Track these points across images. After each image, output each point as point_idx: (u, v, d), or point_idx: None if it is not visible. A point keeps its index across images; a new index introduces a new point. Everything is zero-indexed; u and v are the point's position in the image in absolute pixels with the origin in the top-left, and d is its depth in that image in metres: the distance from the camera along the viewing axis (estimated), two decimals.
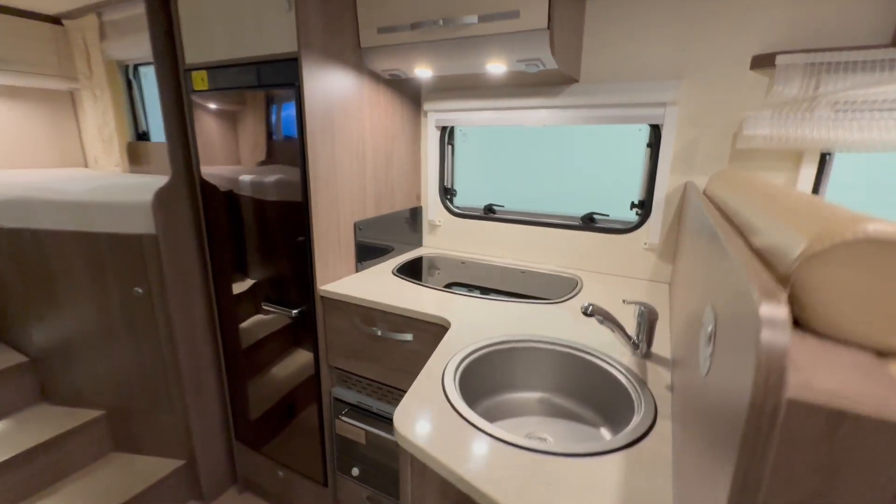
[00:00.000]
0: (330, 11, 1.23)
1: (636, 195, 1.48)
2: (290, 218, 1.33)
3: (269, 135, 1.30)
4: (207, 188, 1.51)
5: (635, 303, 0.91)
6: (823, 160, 1.18)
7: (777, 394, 0.28)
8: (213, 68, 1.35)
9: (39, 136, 2.78)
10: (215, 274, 1.60)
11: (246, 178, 1.39)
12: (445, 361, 0.91)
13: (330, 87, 1.27)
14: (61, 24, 2.57)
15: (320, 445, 1.50)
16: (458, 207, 1.80)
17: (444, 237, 1.81)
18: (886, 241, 0.36)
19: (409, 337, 1.22)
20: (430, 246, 1.85)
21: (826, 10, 1.10)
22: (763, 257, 0.49)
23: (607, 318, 0.88)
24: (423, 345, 1.21)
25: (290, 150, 1.26)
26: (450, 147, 1.75)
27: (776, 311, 0.31)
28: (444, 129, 1.72)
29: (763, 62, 1.18)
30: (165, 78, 1.43)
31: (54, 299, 1.66)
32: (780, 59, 1.13)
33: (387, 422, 1.33)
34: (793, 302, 0.41)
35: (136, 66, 2.59)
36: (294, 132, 1.24)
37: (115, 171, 2.75)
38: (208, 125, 1.43)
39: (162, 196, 1.46)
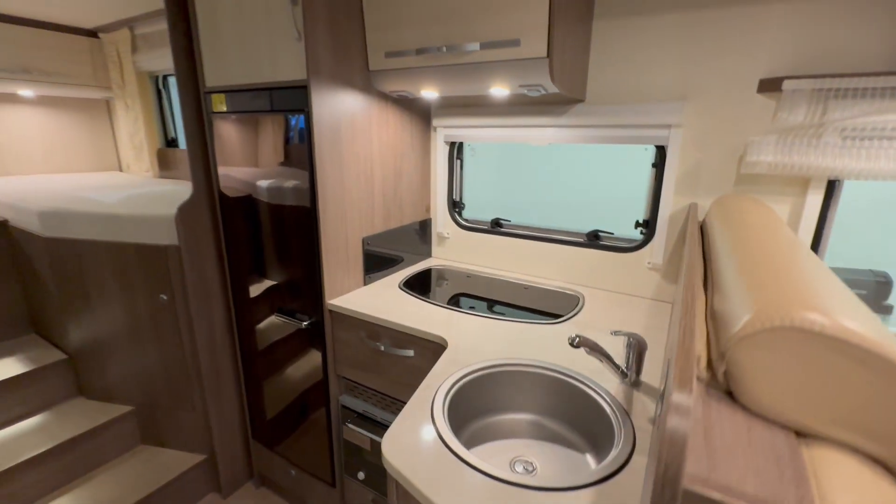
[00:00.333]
0: (339, 38, 1.28)
1: (641, 214, 1.48)
2: (301, 232, 1.39)
3: (284, 153, 1.36)
4: (226, 202, 1.59)
5: (624, 334, 0.93)
6: (832, 186, 1.16)
7: (674, 485, 0.31)
8: (230, 92, 1.42)
9: (78, 142, 2.96)
10: (233, 282, 1.69)
11: (263, 185, 1.47)
12: (437, 385, 0.95)
13: (338, 110, 1.32)
14: (97, 36, 2.71)
15: (329, 449, 1.58)
16: (465, 220, 1.83)
17: (452, 249, 1.85)
18: (811, 332, 0.38)
19: (410, 353, 1.27)
20: (439, 257, 1.90)
21: (836, 34, 1.08)
22: (717, 322, 0.51)
23: (594, 349, 0.91)
24: (424, 360, 1.26)
25: (301, 168, 1.32)
26: (458, 161, 1.79)
27: (684, 400, 0.34)
28: (452, 144, 1.75)
29: (770, 86, 1.16)
30: (188, 100, 1.52)
31: (88, 302, 1.78)
32: (786, 85, 1.11)
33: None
34: (728, 377, 0.44)
35: (164, 77, 2.72)
36: (305, 151, 1.30)
37: (147, 175, 2.89)
38: (228, 142, 1.50)
39: (184, 210, 1.55)
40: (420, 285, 1.57)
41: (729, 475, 0.32)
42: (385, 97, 1.50)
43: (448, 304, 1.42)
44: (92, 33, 2.73)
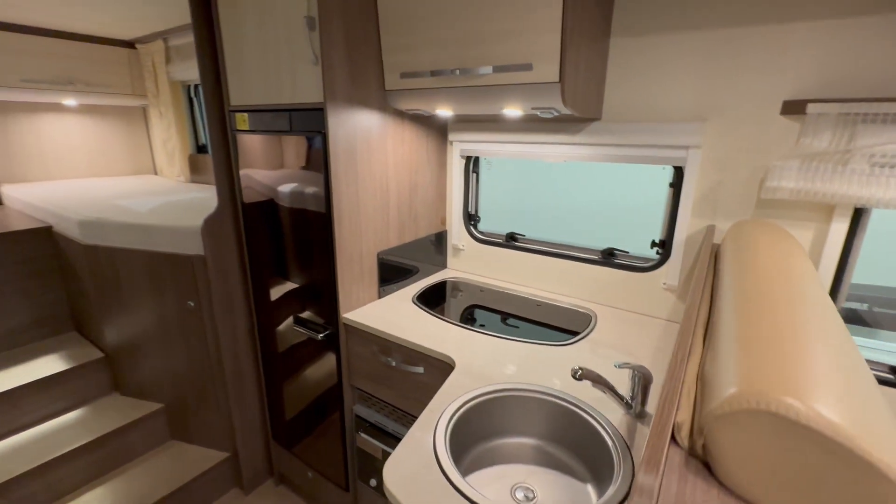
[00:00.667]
0: (355, 60, 1.30)
1: (657, 233, 1.46)
2: (317, 247, 1.44)
3: (306, 158, 1.40)
4: (249, 214, 1.66)
5: (629, 367, 0.93)
6: (859, 214, 1.11)
7: None
8: (252, 111, 1.48)
9: (117, 147, 3.11)
10: (255, 291, 1.76)
11: (284, 189, 1.52)
12: (442, 409, 0.98)
13: (354, 130, 1.35)
14: (134, 47, 2.84)
15: (343, 455, 1.63)
16: (481, 233, 1.84)
17: (467, 261, 1.87)
18: (786, 418, 0.38)
19: (420, 370, 1.30)
20: (455, 268, 1.92)
21: (865, 56, 1.03)
22: (705, 386, 0.51)
23: (598, 382, 0.91)
24: (433, 378, 1.28)
25: (318, 172, 1.36)
26: (474, 175, 1.80)
27: (649, 482, 0.35)
28: (468, 157, 1.76)
29: (793, 108, 1.12)
30: (213, 117, 1.58)
31: (123, 305, 1.89)
32: (811, 108, 1.07)
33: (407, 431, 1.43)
34: (706, 451, 0.44)
35: (196, 86, 2.83)
36: (322, 164, 1.33)
37: (179, 180, 3.02)
38: (251, 148, 1.56)
39: (210, 223, 1.63)
40: (433, 299, 1.60)
41: None
42: (401, 114, 1.52)
43: (461, 317, 1.44)
44: (129, 44, 2.86)
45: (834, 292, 1.17)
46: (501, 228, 1.81)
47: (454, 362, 1.18)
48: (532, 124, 1.53)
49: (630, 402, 0.96)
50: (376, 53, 1.37)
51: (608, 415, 0.97)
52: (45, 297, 2.17)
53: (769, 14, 1.11)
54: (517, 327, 1.41)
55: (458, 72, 1.22)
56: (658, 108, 1.32)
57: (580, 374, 0.89)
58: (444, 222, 1.88)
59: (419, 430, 0.91)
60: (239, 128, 1.54)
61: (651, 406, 1.00)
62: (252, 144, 1.53)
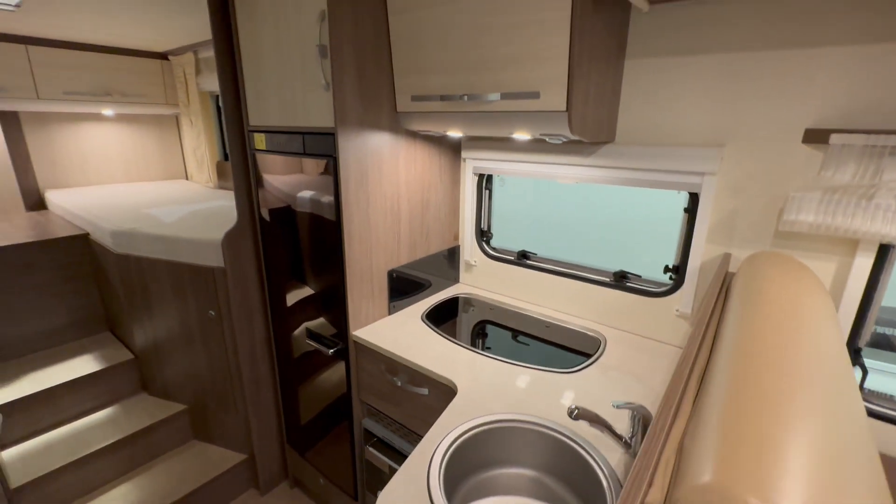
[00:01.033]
0: (367, 85, 1.32)
1: (671, 257, 1.42)
2: (328, 266, 1.47)
3: (325, 165, 1.43)
4: (266, 229, 1.71)
5: (627, 407, 0.91)
6: (885, 251, 1.05)
7: None
8: (269, 132, 1.52)
9: (151, 153, 3.26)
10: (272, 302, 1.82)
11: (304, 196, 1.56)
12: (439, 440, 0.99)
13: (365, 153, 1.37)
14: (167, 58, 2.96)
15: (352, 466, 1.67)
16: (493, 249, 1.84)
17: (479, 277, 1.87)
18: None
19: (425, 391, 1.32)
20: (467, 283, 1.92)
21: (894, 85, 0.97)
22: (682, 459, 0.50)
23: (595, 421, 0.90)
24: (437, 400, 1.30)
25: (331, 198, 1.39)
26: (487, 192, 1.79)
27: None
28: (481, 175, 1.76)
29: (816, 137, 1.07)
30: (234, 136, 1.64)
31: (150, 311, 1.99)
32: (834, 138, 1.02)
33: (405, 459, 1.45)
34: None
35: None
36: (332, 191, 1.36)
37: (208, 186, 3.14)
38: (269, 166, 1.61)
39: (229, 237, 1.69)
40: (443, 316, 1.61)
41: None
42: (413, 134, 1.53)
43: (469, 336, 1.45)
44: (163, 56, 2.99)
45: (857, 330, 1.12)
46: (515, 244, 1.81)
47: (456, 388, 1.19)
48: (544, 145, 1.51)
49: (629, 441, 0.94)
50: (389, 75, 1.39)
51: (606, 453, 0.96)
52: (82, 299, 2.31)
53: (792, 38, 1.06)
54: (527, 345, 1.40)
55: (466, 97, 1.22)
56: (674, 131, 1.28)
57: (576, 414, 0.89)
58: (457, 238, 1.88)
59: (414, 461, 0.93)
60: (257, 147, 1.59)
61: None
62: (271, 156, 1.58)
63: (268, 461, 2.05)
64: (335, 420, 1.70)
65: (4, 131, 2.60)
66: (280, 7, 1.32)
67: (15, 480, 1.69)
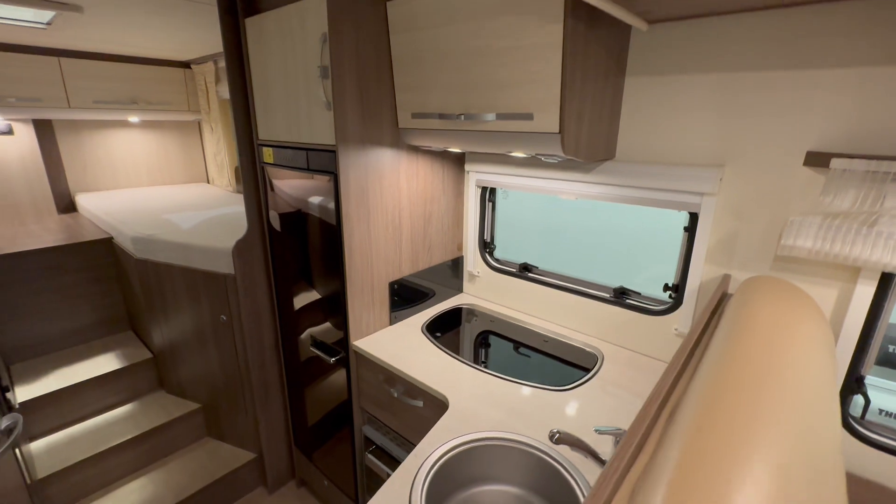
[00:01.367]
0: (368, 103, 1.36)
1: (671, 275, 1.40)
2: (332, 276, 1.51)
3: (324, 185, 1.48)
4: (275, 238, 1.77)
5: (610, 432, 0.92)
6: (890, 279, 1.02)
7: None
8: (276, 147, 1.57)
9: (174, 158, 3.39)
10: (280, 308, 1.88)
11: (314, 201, 1.61)
12: (425, 456, 1.01)
13: (366, 169, 1.41)
14: (190, 67, 3.07)
15: (353, 471, 1.72)
16: (496, 261, 1.85)
17: (482, 287, 1.89)
18: None
19: (420, 403, 1.34)
20: (470, 293, 1.94)
21: None
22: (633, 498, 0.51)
23: (577, 445, 0.91)
24: (432, 412, 1.32)
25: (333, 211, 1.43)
26: (490, 204, 1.80)
27: None
28: (484, 187, 1.77)
29: (817, 161, 1.04)
30: (244, 150, 1.70)
31: (166, 314, 2.09)
32: (835, 163, 1.00)
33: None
34: None
35: None
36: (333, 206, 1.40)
37: (227, 190, 3.25)
38: (279, 172, 1.67)
39: (240, 246, 1.75)
40: (444, 327, 1.63)
41: None
42: (415, 148, 1.56)
43: (466, 348, 1.47)
44: (185, 65, 3.10)
45: (858, 358, 1.08)
46: (519, 251, 1.81)
47: (448, 402, 1.21)
48: (544, 161, 1.51)
49: None
50: (390, 92, 1.42)
51: (589, 475, 0.96)
52: (106, 300, 2.43)
53: (794, 58, 1.04)
54: (528, 357, 1.42)
55: (462, 117, 1.23)
56: (674, 149, 1.27)
57: (557, 438, 0.90)
58: (460, 248, 1.90)
59: (399, 478, 0.96)
60: (266, 160, 1.65)
61: None
62: (277, 177, 1.63)
63: (275, 461, 2.12)
64: (338, 425, 1.75)
65: (39, 138, 2.75)
66: (286, 28, 1.36)
67: (41, 471, 1.81)
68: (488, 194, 1.79)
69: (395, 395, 1.40)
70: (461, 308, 1.81)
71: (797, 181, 1.09)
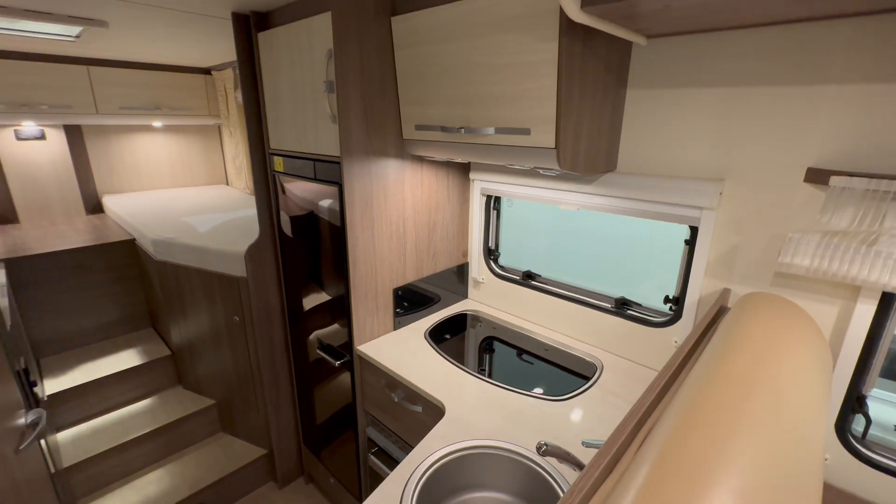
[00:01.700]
0: (372, 116, 1.39)
1: (672, 286, 1.40)
2: (338, 281, 1.56)
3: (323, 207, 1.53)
4: (286, 243, 1.83)
5: (597, 446, 0.93)
6: (891, 299, 1.01)
7: None
8: (286, 156, 1.63)
9: (196, 161, 3.50)
10: (290, 311, 1.94)
11: (324, 204, 1.66)
12: (418, 463, 1.05)
13: (370, 180, 1.45)
14: (210, 73, 3.17)
15: (357, 470, 1.77)
16: (500, 268, 1.87)
17: (486, 293, 1.91)
18: None
19: (419, 409, 1.38)
20: (475, 299, 1.97)
21: None
22: None
23: (564, 458, 0.93)
24: (431, 418, 1.36)
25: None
26: (495, 212, 1.82)
27: None
28: (489, 196, 1.79)
29: (817, 178, 1.03)
30: (256, 158, 1.76)
31: (184, 313, 2.18)
32: (834, 181, 0.99)
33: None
34: None
35: None
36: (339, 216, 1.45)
37: (245, 192, 3.35)
38: (289, 184, 1.72)
39: (252, 251, 1.82)
40: (447, 332, 1.67)
41: None
42: (420, 158, 1.59)
43: (466, 356, 1.49)
44: (206, 71, 3.21)
45: (859, 377, 1.07)
46: (523, 255, 1.83)
47: (444, 409, 1.24)
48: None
49: None
50: (395, 104, 1.45)
51: None
52: (129, 298, 2.54)
53: (794, 74, 1.03)
54: (530, 364, 1.44)
55: (463, 130, 1.26)
56: (675, 162, 1.26)
57: (544, 451, 0.92)
58: (465, 255, 1.93)
59: (392, 482, 0.99)
60: (276, 169, 1.71)
61: None
62: (287, 185, 1.69)
63: (285, 457, 2.19)
64: (344, 425, 1.80)
65: (69, 143, 2.89)
66: (294, 43, 1.41)
67: (66, 461, 1.91)
68: (493, 202, 1.81)
69: (396, 399, 1.44)
70: (466, 314, 1.84)
71: (798, 197, 1.08)
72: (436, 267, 1.80)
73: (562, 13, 0.96)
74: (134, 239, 2.47)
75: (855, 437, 1.10)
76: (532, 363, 1.49)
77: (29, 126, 2.72)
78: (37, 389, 1.35)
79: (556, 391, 1.33)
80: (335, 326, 1.68)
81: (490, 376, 1.41)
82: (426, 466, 1.03)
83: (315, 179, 1.51)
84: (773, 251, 1.14)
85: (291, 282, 1.88)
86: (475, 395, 1.31)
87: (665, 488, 0.52)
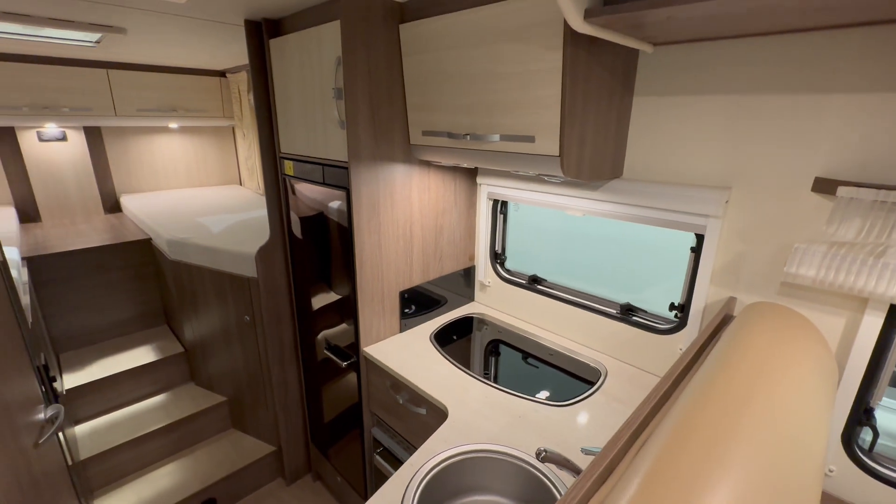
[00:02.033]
0: (380, 122, 1.41)
1: (678, 293, 1.39)
2: (347, 278, 1.59)
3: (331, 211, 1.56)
4: (295, 245, 1.86)
5: (595, 453, 0.94)
6: None
7: None
8: (296, 160, 1.66)
9: (210, 161, 3.57)
10: (299, 312, 1.98)
11: (334, 205, 1.69)
12: (419, 466, 1.07)
13: (377, 184, 1.47)
14: (224, 75, 3.23)
15: (362, 469, 1.80)
16: (507, 271, 1.88)
17: (493, 297, 1.92)
18: None
19: (423, 411, 1.40)
20: (481, 302, 1.98)
21: None
22: None
23: (564, 465, 0.94)
24: (434, 420, 1.37)
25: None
26: (501, 216, 1.83)
27: None
28: (495, 200, 1.80)
29: (825, 187, 1.02)
30: (267, 161, 1.80)
31: (197, 311, 2.23)
32: (841, 191, 0.98)
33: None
34: None
35: None
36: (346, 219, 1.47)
37: (259, 193, 3.41)
38: (300, 185, 1.76)
39: (262, 252, 1.86)
40: (453, 335, 1.68)
41: None
42: (427, 163, 1.61)
43: (471, 359, 1.51)
44: (221, 73, 3.27)
45: (866, 389, 1.06)
46: (529, 267, 1.84)
47: (447, 412, 1.26)
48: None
49: None
50: (402, 109, 1.47)
51: None
52: (145, 296, 2.61)
53: (801, 82, 1.02)
54: (535, 368, 1.44)
55: (468, 137, 1.27)
56: (681, 170, 1.26)
57: (544, 457, 0.93)
58: (472, 258, 1.94)
59: (393, 485, 1.01)
60: (286, 173, 1.74)
61: None
62: (297, 188, 1.72)
63: (293, 455, 2.23)
64: (350, 425, 1.83)
65: (89, 144, 2.97)
66: (304, 50, 1.44)
67: (84, 453, 1.98)
68: (500, 207, 1.82)
69: (401, 401, 1.46)
70: (472, 317, 1.86)
71: (805, 207, 1.07)
72: (442, 270, 1.81)
73: (566, 23, 0.97)
74: (150, 238, 2.53)
75: (862, 450, 1.09)
76: (537, 367, 1.50)
77: (51, 128, 2.80)
78: (56, 384, 1.40)
79: (561, 396, 1.34)
80: (343, 326, 1.70)
81: (495, 380, 1.42)
82: (427, 470, 1.05)
83: (324, 183, 1.54)
84: (780, 260, 1.13)
85: (300, 282, 1.91)
86: (478, 398, 1.32)
87: (656, 498, 0.53)
